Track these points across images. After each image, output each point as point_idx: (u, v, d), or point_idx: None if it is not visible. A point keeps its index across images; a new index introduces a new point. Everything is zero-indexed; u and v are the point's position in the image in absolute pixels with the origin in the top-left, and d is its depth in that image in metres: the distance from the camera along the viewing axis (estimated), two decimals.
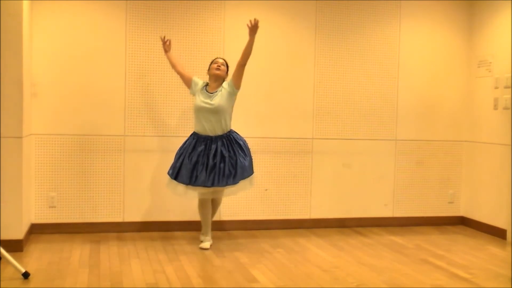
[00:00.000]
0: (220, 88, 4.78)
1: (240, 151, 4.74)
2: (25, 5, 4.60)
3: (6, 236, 4.34)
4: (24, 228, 4.65)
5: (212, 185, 4.63)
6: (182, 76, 4.98)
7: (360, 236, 5.44)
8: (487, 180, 5.73)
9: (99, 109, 5.21)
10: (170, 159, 5.26)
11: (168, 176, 4.83)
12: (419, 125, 5.96)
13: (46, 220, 5.13)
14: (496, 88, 5.60)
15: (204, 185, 4.63)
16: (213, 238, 4.98)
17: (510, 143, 5.38)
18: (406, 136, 5.94)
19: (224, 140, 4.72)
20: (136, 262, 4.30)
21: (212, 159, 4.64)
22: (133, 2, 5.25)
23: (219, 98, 4.73)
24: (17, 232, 4.47)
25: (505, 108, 5.47)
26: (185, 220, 5.40)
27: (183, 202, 5.38)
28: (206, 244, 4.79)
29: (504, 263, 4.57)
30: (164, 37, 5.01)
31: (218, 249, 4.77)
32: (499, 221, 5.53)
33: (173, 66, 5.02)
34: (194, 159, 4.67)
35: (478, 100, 5.88)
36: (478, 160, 5.87)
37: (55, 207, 5.14)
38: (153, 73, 5.31)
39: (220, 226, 5.44)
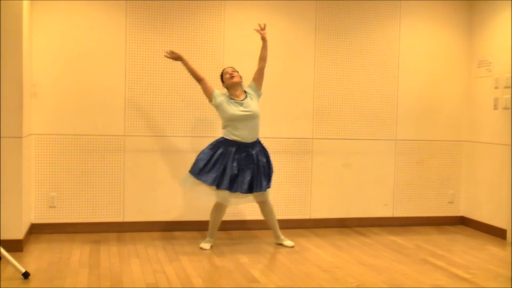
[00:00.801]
0: (247, 94, 4.82)
1: (268, 157, 4.90)
2: (25, 5, 4.60)
3: (6, 236, 4.34)
4: (24, 228, 4.65)
5: (261, 189, 4.73)
6: (204, 83, 4.83)
7: (360, 236, 5.44)
8: (487, 180, 5.73)
9: (99, 109, 5.21)
10: (170, 159, 5.29)
11: (201, 183, 4.73)
12: (419, 125, 5.96)
13: (46, 220, 5.13)
14: (496, 88, 5.60)
15: (255, 190, 4.72)
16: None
17: (510, 143, 5.38)
18: (406, 136, 5.94)
19: (260, 146, 4.84)
20: (136, 262, 4.30)
21: (256, 164, 4.72)
22: (133, 2, 5.25)
23: (253, 103, 4.80)
24: (17, 232, 4.47)
25: (505, 108, 5.47)
26: (185, 220, 5.41)
27: (183, 202, 5.39)
28: (207, 245, 4.79)
29: (504, 263, 4.57)
30: (169, 52, 4.83)
31: (218, 249, 4.77)
32: (499, 221, 5.53)
33: (192, 72, 4.83)
34: (236, 166, 4.67)
35: (478, 100, 5.88)
36: (478, 160, 5.87)
37: (55, 207, 5.14)
38: (153, 73, 5.31)
39: (220, 226, 5.44)
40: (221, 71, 4.94)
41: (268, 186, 4.82)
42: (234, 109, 4.72)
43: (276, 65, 5.58)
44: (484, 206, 5.78)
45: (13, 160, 4.44)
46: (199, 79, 4.84)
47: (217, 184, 4.62)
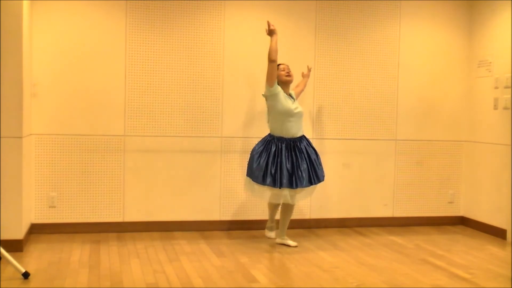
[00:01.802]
0: (292, 95, 4.98)
1: (315, 150, 5.00)
2: (25, 5, 4.60)
3: (6, 236, 4.35)
4: (24, 228, 4.65)
5: (319, 180, 4.89)
6: (275, 66, 4.76)
7: (360, 236, 5.44)
8: (487, 180, 5.73)
9: (99, 109, 5.21)
10: (170, 159, 5.29)
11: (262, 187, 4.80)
12: (419, 125, 5.96)
13: (46, 220, 5.13)
14: (496, 88, 5.60)
15: (314, 182, 4.85)
16: (213, 238, 5.01)
17: (510, 143, 5.38)
18: (406, 136, 5.93)
19: (306, 140, 4.94)
20: (136, 262, 4.30)
21: (307, 156, 4.83)
22: (133, 2, 5.25)
23: (298, 102, 4.99)
24: (17, 232, 4.47)
25: (505, 108, 5.47)
26: (185, 220, 5.41)
27: (183, 202, 5.39)
28: (293, 242, 4.94)
29: (504, 263, 4.57)
30: (271, 24, 4.80)
31: (218, 249, 4.77)
32: (499, 221, 5.53)
33: (274, 51, 4.74)
34: (290, 163, 4.75)
35: (478, 100, 5.88)
36: (478, 160, 5.87)
37: (55, 207, 5.14)
38: (153, 73, 5.30)
39: (221, 226, 5.45)
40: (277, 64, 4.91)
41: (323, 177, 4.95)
42: (290, 104, 4.83)
43: None
44: (484, 206, 5.78)
45: (13, 160, 4.44)
46: (273, 60, 4.75)
47: (279, 184, 4.70)
